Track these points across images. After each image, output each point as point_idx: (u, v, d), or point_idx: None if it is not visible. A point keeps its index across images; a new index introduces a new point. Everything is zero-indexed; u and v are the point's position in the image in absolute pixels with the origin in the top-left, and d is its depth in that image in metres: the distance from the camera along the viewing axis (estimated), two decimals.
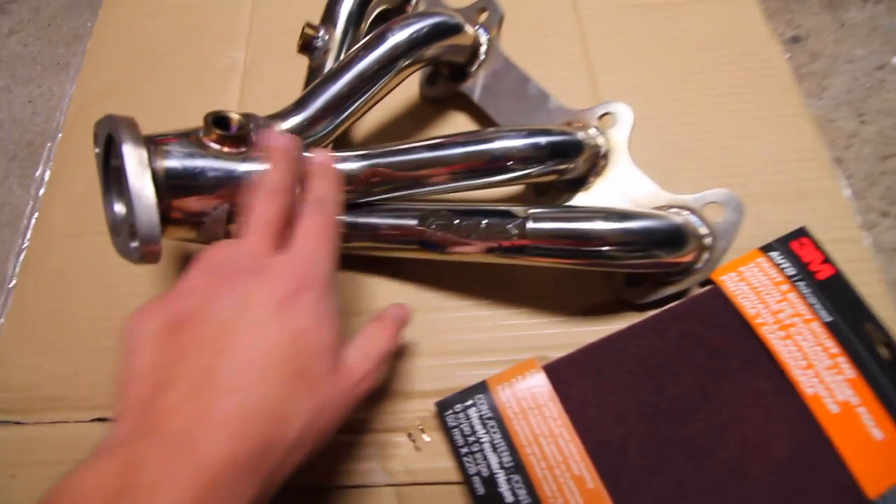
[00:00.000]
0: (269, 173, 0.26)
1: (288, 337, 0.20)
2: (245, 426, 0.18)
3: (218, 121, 0.28)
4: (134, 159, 0.24)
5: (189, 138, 0.28)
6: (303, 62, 0.39)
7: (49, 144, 0.46)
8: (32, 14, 0.58)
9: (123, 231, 0.26)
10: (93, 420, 0.35)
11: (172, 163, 0.26)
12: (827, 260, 0.33)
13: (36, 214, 0.42)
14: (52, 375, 0.36)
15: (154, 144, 0.26)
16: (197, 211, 0.27)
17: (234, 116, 0.29)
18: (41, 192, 0.43)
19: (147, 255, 0.24)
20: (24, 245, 0.41)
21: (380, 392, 0.32)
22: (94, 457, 0.18)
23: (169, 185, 0.26)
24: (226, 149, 0.28)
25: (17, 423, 0.35)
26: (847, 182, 0.38)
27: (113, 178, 0.29)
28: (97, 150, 0.29)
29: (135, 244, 0.24)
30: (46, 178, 0.44)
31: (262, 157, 0.28)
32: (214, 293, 0.21)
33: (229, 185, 0.28)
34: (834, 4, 0.45)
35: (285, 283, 0.21)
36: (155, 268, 0.39)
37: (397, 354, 0.34)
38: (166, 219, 0.26)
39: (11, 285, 0.40)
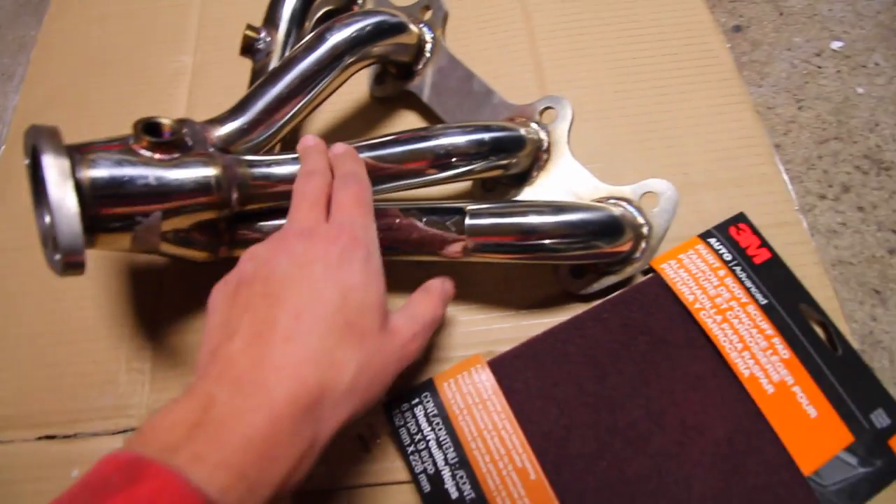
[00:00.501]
0: (303, 163, 0.29)
1: (338, 292, 0.22)
2: (301, 370, 0.20)
3: (148, 127, 0.28)
4: (54, 170, 0.23)
5: (117, 146, 0.27)
6: (250, 65, 0.39)
7: None
8: None
9: (49, 243, 0.26)
10: (39, 438, 0.34)
11: (99, 172, 0.26)
12: (764, 244, 0.34)
13: None
14: None
15: (79, 153, 0.26)
16: (127, 220, 0.27)
17: (166, 122, 0.28)
18: None
19: (68, 265, 0.23)
20: None
21: None
22: (174, 400, 0.20)
23: (95, 195, 0.25)
24: (157, 155, 0.28)
25: None
26: (785, 167, 0.39)
27: (41, 189, 0.28)
28: (26, 162, 0.28)
29: (57, 256, 0.24)
30: None
31: (195, 161, 0.28)
32: (274, 255, 0.24)
33: (161, 193, 0.27)
34: None
35: (334, 243, 0.24)
36: (102, 279, 0.38)
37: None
38: (96, 229, 0.26)
39: None
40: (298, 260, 0.23)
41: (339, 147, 0.31)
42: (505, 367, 0.30)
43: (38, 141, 0.24)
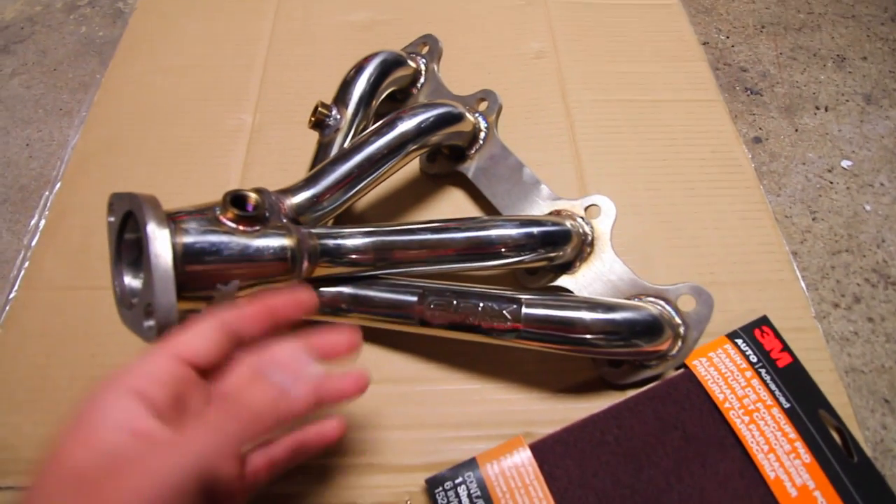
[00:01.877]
0: (233, 310, 0.25)
1: None
2: None
3: (235, 200, 0.30)
4: (159, 242, 0.25)
5: (205, 215, 0.29)
6: (308, 129, 0.41)
7: (46, 193, 0.46)
8: (38, 57, 0.59)
9: (136, 307, 0.27)
10: None
11: (189, 239, 0.28)
12: (786, 348, 0.37)
13: (26, 264, 0.42)
14: (29, 437, 0.35)
15: (173, 221, 0.28)
16: (209, 286, 0.28)
17: (252, 196, 0.30)
18: (34, 241, 0.43)
19: (161, 333, 0.25)
20: (12, 296, 0.41)
21: (369, 466, 0.33)
22: None
23: (184, 262, 0.27)
24: (241, 227, 0.29)
25: None
26: (802, 274, 0.42)
27: (125, 249, 0.29)
28: (111, 220, 0.30)
29: (150, 323, 0.25)
30: (41, 226, 0.44)
31: (273, 233, 0.30)
32: None
33: (242, 262, 0.29)
34: (790, 110, 0.51)
35: None
36: None
37: (388, 426, 0.35)
38: (179, 292, 0.27)
39: None
40: None
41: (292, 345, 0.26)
42: (546, 452, 0.31)
43: (141, 209, 0.26)
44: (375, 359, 0.37)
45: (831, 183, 0.47)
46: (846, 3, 0.63)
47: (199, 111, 0.50)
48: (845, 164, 0.48)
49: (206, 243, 0.28)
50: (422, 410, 0.35)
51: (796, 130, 0.49)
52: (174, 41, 0.55)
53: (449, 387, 0.36)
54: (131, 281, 0.29)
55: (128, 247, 0.29)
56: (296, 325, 0.36)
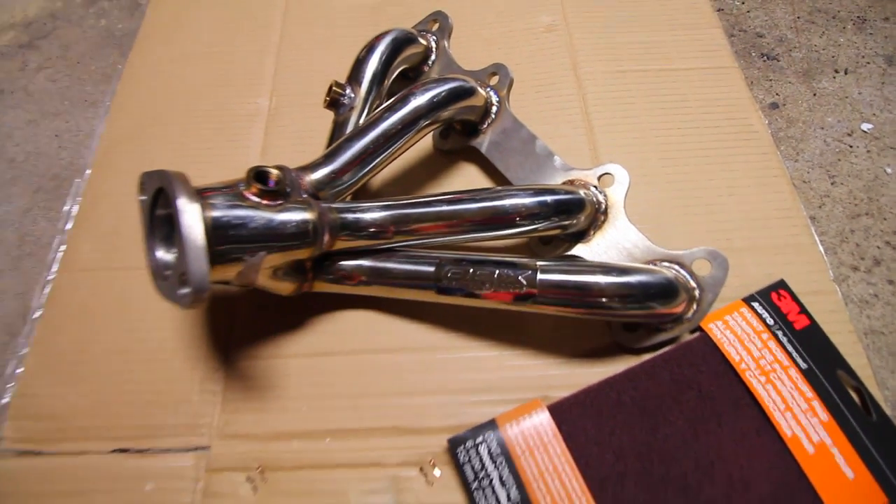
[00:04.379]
0: None
1: None
2: None
3: (258, 175, 0.31)
4: (189, 214, 0.26)
5: (231, 190, 0.30)
6: (323, 110, 0.42)
7: (77, 180, 0.48)
8: (62, 51, 0.61)
9: (171, 277, 0.29)
10: (113, 451, 0.36)
11: (217, 213, 0.29)
12: (803, 311, 0.37)
13: (63, 248, 0.44)
14: (74, 406, 0.38)
15: (202, 197, 0.29)
16: (236, 257, 0.30)
17: (273, 172, 0.31)
18: (68, 226, 0.45)
19: (196, 300, 0.26)
20: (50, 277, 0.43)
21: (392, 429, 0.35)
22: None
23: (214, 234, 0.28)
24: (264, 201, 0.31)
25: (39, 453, 0.37)
26: (820, 238, 0.42)
27: (157, 225, 0.31)
28: (143, 198, 0.31)
29: (184, 291, 0.26)
30: (74, 212, 0.46)
31: (295, 207, 0.31)
32: None
33: (266, 234, 0.30)
34: (808, 74, 0.50)
35: None
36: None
37: (411, 392, 0.36)
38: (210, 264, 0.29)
39: (36, 316, 0.42)
40: None
41: None
42: (564, 413, 0.32)
43: (171, 185, 0.27)
44: (396, 329, 0.38)
45: (851, 147, 0.46)
46: None
47: (217, 96, 0.51)
48: (865, 126, 0.47)
49: (232, 216, 0.29)
50: (443, 377, 0.36)
51: (814, 95, 0.49)
52: (190, 29, 0.56)
53: (468, 354, 0.37)
54: (164, 254, 0.31)
55: (159, 222, 0.31)
56: (313, 300, 0.38)
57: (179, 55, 0.55)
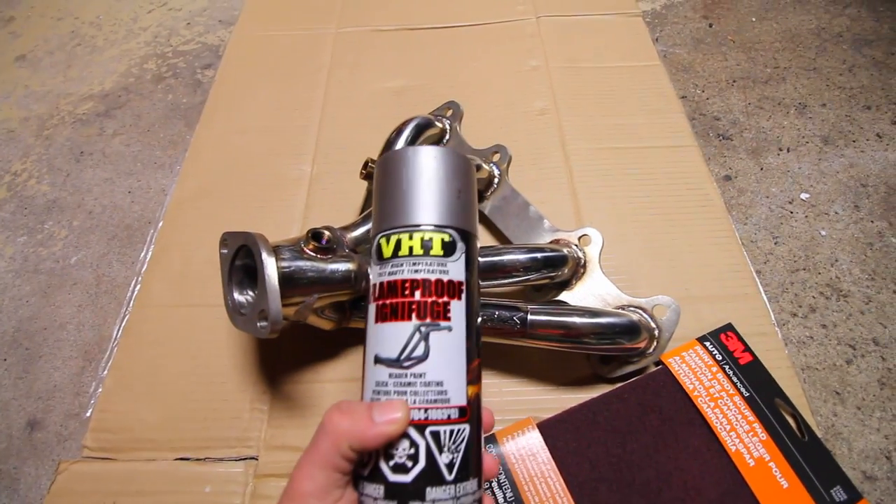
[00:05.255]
0: None
1: None
2: None
3: (315, 235, 0.40)
4: (271, 266, 0.35)
5: (294, 246, 0.40)
6: (355, 176, 0.52)
7: (151, 231, 0.58)
8: (134, 120, 0.73)
9: (249, 314, 0.37)
10: (176, 459, 0.44)
11: (285, 264, 0.38)
12: (747, 349, 0.45)
13: (138, 287, 0.53)
14: (144, 421, 0.46)
15: (274, 251, 0.38)
16: (298, 299, 0.39)
17: (326, 233, 0.41)
18: (143, 269, 0.55)
19: (273, 332, 0.35)
20: (126, 312, 0.52)
21: None
22: None
23: (283, 281, 0.37)
24: (319, 255, 0.40)
25: (114, 459, 0.44)
26: (765, 289, 0.51)
27: (235, 274, 0.40)
28: (224, 252, 0.41)
29: (263, 324, 0.35)
30: (148, 257, 0.56)
31: (341, 260, 0.40)
32: None
33: (320, 281, 0.39)
34: (756, 152, 0.60)
35: None
36: (234, 336, 0.49)
37: None
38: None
39: (114, 344, 0.50)
40: None
41: None
42: (550, 429, 0.40)
43: (255, 244, 0.37)
44: None
45: (791, 213, 0.55)
46: (808, 58, 0.73)
47: (269, 164, 0.62)
48: (804, 196, 0.57)
49: (296, 268, 0.38)
50: None
51: (761, 169, 0.59)
52: (246, 107, 0.68)
53: None
54: (239, 296, 0.40)
55: (236, 271, 0.40)
56: (349, 335, 0.46)
57: (238, 129, 0.66)
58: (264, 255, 0.36)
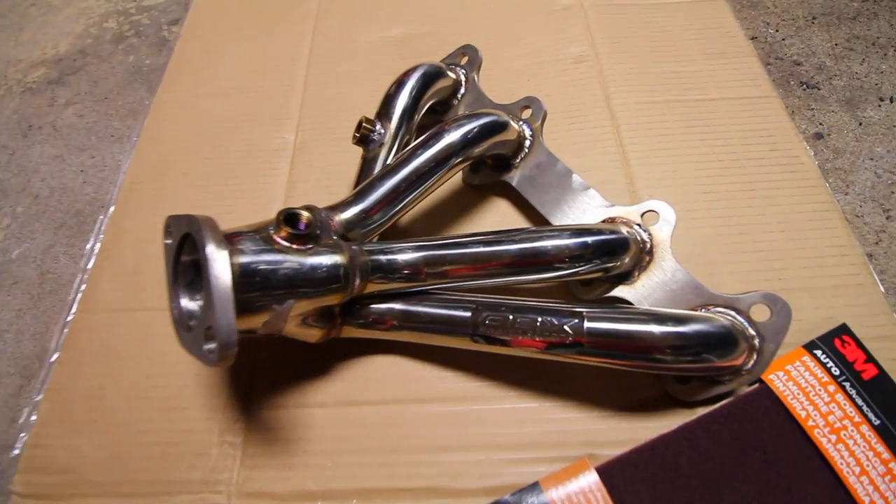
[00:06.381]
0: None
1: None
2: None
3: (288, 218, 0.29)
4: (218, 264, 0.25)
5: (260, 234, 0.29)
6: (349, 145, 0.41)
7: (101, 217, 0.47)
8: (90, 87, 0.62)
9: (196, 330, 0.27)
10: None
11: (245, 259, 0.27)
12: (870, 359, 0.34)
13: (83, 287, 0.43)
14: (87, 459, 0.36)
15: (229, 241, 0.27)
16: (264, 305, 0.28)
17: (304, 214, 0.30)
18: (90, 264, 0.44)
19: (223, 358, 0.24)
20: (69, 318, 0.42)
21: (426, 489, 0.32)
22: None
23: (242, 282, 0.27)
24: (294, 245, 0.29)
25: None
26: (880, 278, 0.39)
27: (182, 270, 0.30)
28: (168, 242, 0.30)
29: (210, 346, 0.25)
30: (96, 250, 0.45)
31: (325, 251, 0.30)
32: None
33: (296, 280, 0.29)
34: (852, 103, 0.48)
35: None
36: None
37: (445, 447, 0.33)
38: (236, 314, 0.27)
39: (53, 359, 0.40)
40: None
41: None
42: (615, 476, 0.30)
43: (200, 232, 0.26)
44: (428, 377, 0.36)
45: None
46: None
47: (243, 132, 0.51)
48: None
49: (261, 263, 0.28)
50: (479, 430, 0.34)
51: (860, 124, 0.47)
52: (216, 65, 0.56)
53: (505, 405, 0.35)
54: (188, 303, 0.29)
55: (185, 268, 0.30)
56: (341, 345, 0.36)
57: (206, 91, 0.55)
58: (210, 248, 0.25)
